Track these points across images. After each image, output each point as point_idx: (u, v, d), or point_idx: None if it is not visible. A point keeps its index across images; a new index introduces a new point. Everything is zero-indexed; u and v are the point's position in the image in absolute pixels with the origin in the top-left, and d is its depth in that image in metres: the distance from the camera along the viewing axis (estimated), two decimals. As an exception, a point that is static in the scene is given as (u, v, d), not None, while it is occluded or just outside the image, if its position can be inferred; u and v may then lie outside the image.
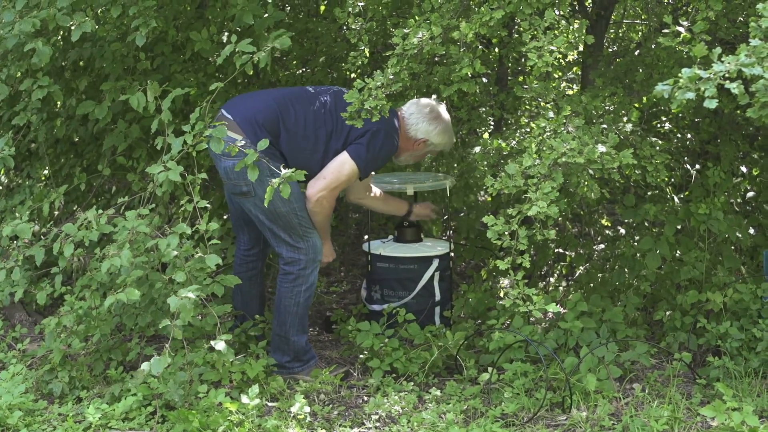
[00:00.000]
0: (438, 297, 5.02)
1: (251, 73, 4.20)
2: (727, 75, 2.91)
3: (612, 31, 6.59)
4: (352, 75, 5.97)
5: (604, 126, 4.32)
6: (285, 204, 4.30)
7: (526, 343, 4.45)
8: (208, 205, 4.09)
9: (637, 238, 5.32)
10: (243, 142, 4.13)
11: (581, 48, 6.08)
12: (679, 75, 2.94)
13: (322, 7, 6.22)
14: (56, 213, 5.63)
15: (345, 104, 4.07)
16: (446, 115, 4.71)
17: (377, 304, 5.03)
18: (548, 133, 3.97)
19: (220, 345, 3.86)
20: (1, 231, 4.36)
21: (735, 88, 2.87)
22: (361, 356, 4.66)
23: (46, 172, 5.66)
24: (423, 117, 4.61)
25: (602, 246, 5.90)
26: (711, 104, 2.89)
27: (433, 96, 4.97)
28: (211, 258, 3.96)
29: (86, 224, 4.15)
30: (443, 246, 5.14)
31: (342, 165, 4.42)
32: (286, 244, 4.42)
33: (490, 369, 4.39)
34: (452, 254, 5.21)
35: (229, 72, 4.17)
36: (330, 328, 5.27)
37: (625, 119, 4.53)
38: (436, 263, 4.99)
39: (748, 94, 2.99)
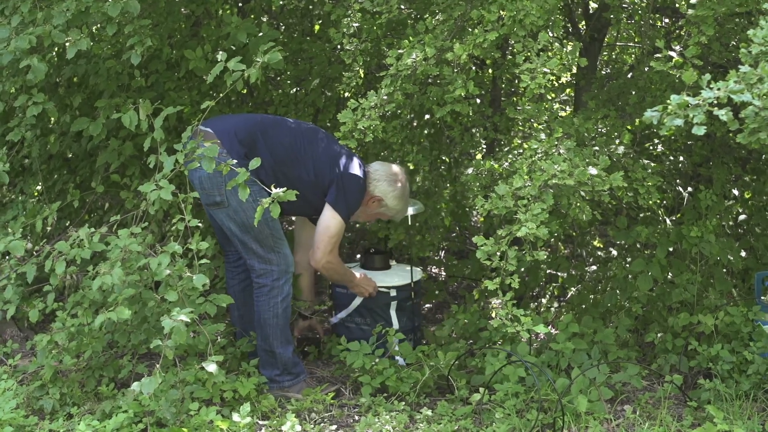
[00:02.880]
0: (396, 326, 4.93)
1: (244, 91, 4.22)
2: (716, 101, 2.93)
3: (605, 53, 6.62)
4: (347, 95, 5.99)
5: (596, 148, 4.35)
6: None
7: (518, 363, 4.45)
8: (200, 224, 4.09)
9: (629, 259, 5.33)
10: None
11: (574, 70, 6.12)
12: (669, 101, 2.96)
13: (317, 27, 6.25)
14: (49, 229, 5.62)
15: (321, 140, 4.22)
16: (407, 185, 4.79)
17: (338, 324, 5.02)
18: (539, 155, 4.00)
19: (211, 367, 3.86)
20: (-6, 247, 4.36)
21: (723, 114, 2.89)
22: (352, 375, 4.66)
23: (39, 188, 5.66)
24: (386, 176, 4.69)
25: (594, 267, 5.91)
26: (699, 131, 2.91)
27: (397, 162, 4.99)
28: (199, 278, 3.97)
29: (78, 242, 4.15)
30: (405, 275, 5.02)
31: (327, 222, 4.53)
32: (258, 257, 4.46)
33: (481, 389, 4.39)
34: (419, 282, 5.09)
35: (222, 90, 4.18)
36: (303, 352, 5.15)
37: (617, 141, 4.56)
38: (393, 293, 4.93)
39: (738, 119, 3.01)
